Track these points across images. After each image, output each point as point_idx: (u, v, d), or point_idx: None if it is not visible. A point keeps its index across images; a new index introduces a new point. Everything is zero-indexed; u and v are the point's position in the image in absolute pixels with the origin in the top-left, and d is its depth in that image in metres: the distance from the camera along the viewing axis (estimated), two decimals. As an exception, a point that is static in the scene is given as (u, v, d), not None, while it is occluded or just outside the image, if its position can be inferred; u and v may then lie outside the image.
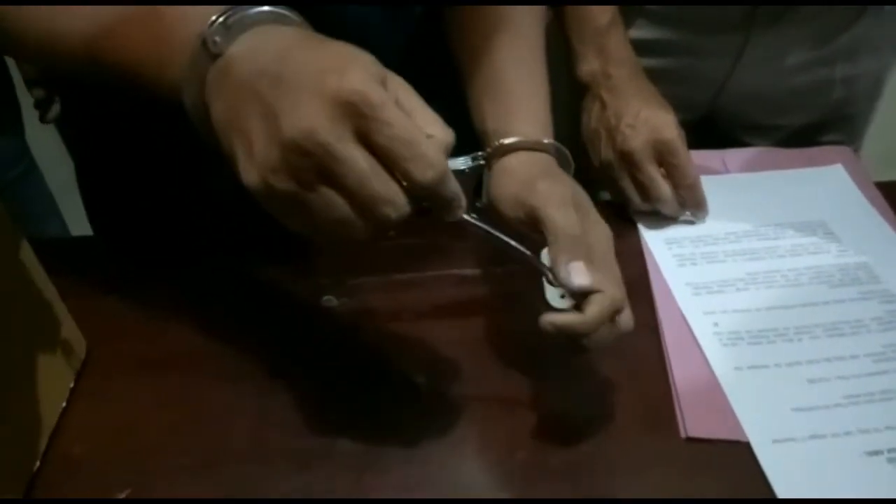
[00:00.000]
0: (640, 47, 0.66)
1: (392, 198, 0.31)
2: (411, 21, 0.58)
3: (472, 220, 0.36)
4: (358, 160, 0.30)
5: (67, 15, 0.39)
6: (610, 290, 0.41)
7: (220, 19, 0.33)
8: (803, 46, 0.71)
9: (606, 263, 0.43)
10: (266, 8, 0.34)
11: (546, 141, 0.49)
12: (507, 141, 0.49)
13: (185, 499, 0.42)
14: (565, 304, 0.41)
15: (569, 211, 0.43)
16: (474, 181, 0.49)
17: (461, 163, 0.48)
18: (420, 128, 0.31)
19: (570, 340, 0.41)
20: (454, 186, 0.33)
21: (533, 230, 0.45)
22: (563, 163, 0.50)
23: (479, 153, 0.49)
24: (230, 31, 0.33)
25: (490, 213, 0.48)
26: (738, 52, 0.72)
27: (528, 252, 0.40)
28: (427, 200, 0.33)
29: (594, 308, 0.40)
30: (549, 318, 0.40)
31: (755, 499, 0.43)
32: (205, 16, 0.33)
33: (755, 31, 0.70)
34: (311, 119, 0.30)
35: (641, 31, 0.72)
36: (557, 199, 0.44)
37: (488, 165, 0.49)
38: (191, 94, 0.34)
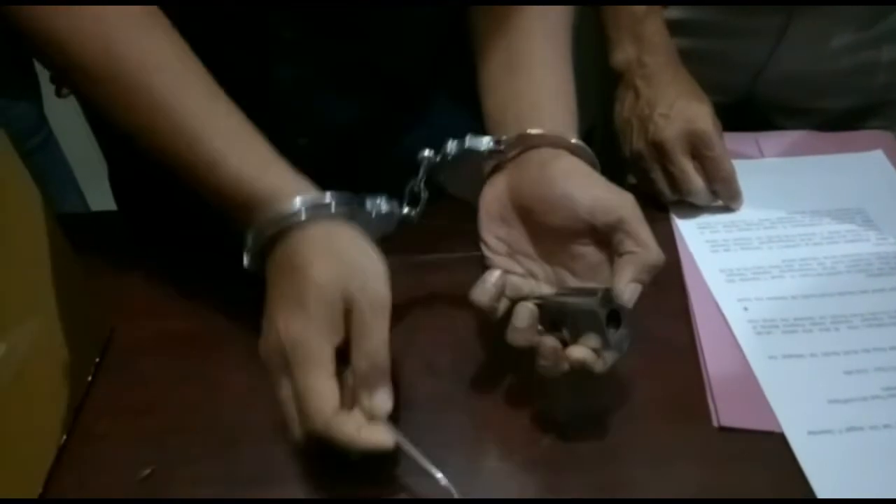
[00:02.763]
0: (678, 28, 0.65)
1: (290, 424, 0.39)
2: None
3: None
4: (279, 390, 0.40)
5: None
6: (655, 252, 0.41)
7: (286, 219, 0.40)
8: (848, 27, 0.69)
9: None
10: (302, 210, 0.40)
11: (574, 141, 0.46)
12: (533, 131, 0.45)
13: (190, 499, 0.43)
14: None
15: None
16: (489, 167, 0.48)
17: (482, 143, 0.46)
18: (316, 386, 0.38)
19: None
20: (347, 440, 0.37)
21: (591, 236, 0.43)
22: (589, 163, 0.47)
23: (502, 137, 0.46)
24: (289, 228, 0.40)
25: (546, 208, 0.44)
26: (780, 34, 0.70)
27: None
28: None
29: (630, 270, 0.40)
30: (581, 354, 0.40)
31: (789, 499, 0.42)
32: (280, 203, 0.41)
33: (798, 11, 0.68)
34: (263, 335, 0.41)
35: (680, 12, 0.70)
36: (641, 216, 0.42)
37: (510, 153, 0.46)
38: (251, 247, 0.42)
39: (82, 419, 0.46)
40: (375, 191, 0.45)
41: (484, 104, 0.50)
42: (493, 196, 0.46)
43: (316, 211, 0.41)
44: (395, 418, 0.45)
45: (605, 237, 0.42)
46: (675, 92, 0.60)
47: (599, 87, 0.69)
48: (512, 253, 0.45)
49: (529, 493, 0.43)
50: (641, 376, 0.47)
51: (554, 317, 0.42)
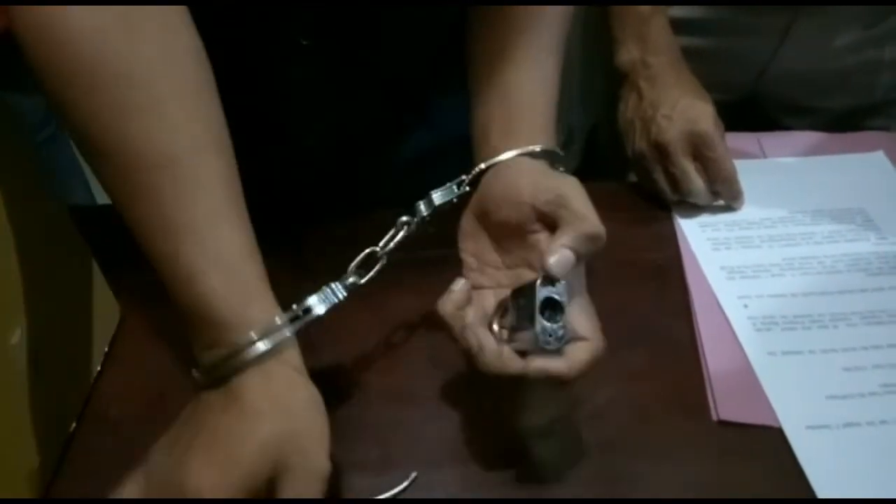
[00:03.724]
0: (683, 26, 0.65)
1: None
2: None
3: None
4: None
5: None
6: (595, 338, 0.39)
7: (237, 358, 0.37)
8: (852, 27, 0.69)
9: (588, 303, 0.41)
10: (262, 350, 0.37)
11: (537, 148, 0.45)
12: (499, 159, 0.44)
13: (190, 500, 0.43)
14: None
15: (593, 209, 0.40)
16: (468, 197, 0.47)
17: (447, 194, 0.45)
18: None
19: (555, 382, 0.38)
20: None
21: (541, 222, 0.42)
22: (553, 164, 0.46)
23: (463, 177, 0.46)
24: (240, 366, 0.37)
25: (486, 206, 0.44)
26: (784, 32, 0.70)
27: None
28: None
29: (581, 356, 0.38)
30: (537, 365, 0.37)
31: (787, 498, 0.42)
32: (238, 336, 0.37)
33: (803, 10, 0.68)
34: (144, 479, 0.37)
35: (684, 10, 0.70)
36: (582, 193, 0.41)
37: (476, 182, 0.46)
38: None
39: (93, 406, 0.47)
40: (377, 191, 0.44)
41: (471, 120, 0.49)
42: (465, 215, 0.46)
43: (273, 340, 0.37)
44: (395, 409, 0.46)
45: (552, 219, 0.41)
46: (678, 93, 0.60)
47: (605, 85, 0.69)
48: (481, 266, 0.45)
49: (530, 484, 0.43)
50: (642, 370, 0.48)
51: (505, 308, 0.41)
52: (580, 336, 0.39)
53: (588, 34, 0.76)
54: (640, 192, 0.63)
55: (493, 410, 0.46)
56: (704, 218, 0.61)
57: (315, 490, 0.35)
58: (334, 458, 0.43)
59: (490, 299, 0.43)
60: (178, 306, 0.39)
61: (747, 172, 0.61)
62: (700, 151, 0.58)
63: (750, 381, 0.47)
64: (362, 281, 0.42)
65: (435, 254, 0.45)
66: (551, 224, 0.41)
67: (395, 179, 0.47)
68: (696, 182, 0.59)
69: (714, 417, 0.45)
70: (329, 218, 0.59)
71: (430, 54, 0.59)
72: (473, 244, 0.45)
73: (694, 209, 0.61)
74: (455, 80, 0.55)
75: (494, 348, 0.39)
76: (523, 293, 0.39)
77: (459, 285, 0.42)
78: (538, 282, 0.38)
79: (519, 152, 0.44)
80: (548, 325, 0.37)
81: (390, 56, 0.56)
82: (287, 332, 0.38)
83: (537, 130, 0.46)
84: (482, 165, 0.45)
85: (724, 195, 0.60)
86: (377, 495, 0.43)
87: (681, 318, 0.52)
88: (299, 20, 0.50)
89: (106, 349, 0.50)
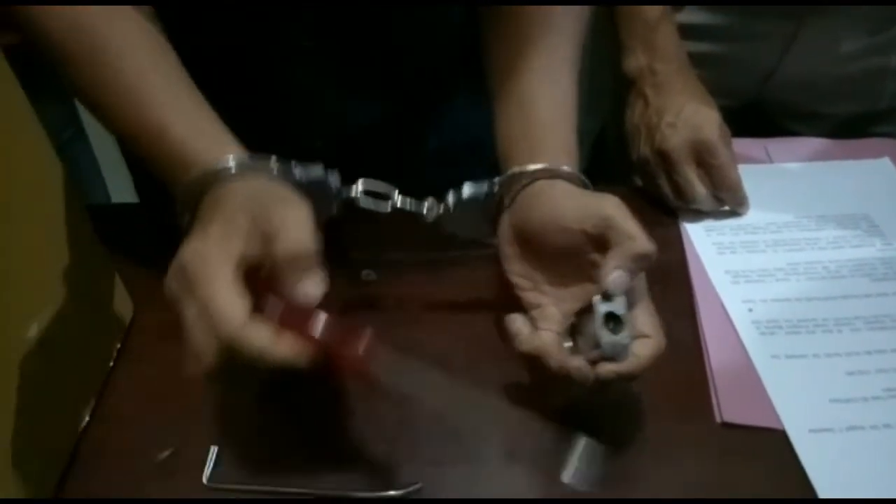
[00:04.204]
0: (690, 32, 0.65)
1: (198, 351, 0.35)
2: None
3: None
4: (185, 315, 0.36)
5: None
6: (657, 336, 0.41)
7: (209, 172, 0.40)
8: (858, 33, 0.70)
9: (648, 302, 0.43)
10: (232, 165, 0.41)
11: (567, 169, 0.46)
12: (530, 168, 0.46)
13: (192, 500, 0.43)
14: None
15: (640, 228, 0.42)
16: (491, 210, 0.48)
17: (477, 189, 0.47)
18: (221, 294, 0.35)
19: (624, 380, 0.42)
20: (256, 351, 0.34)
21: (591, 244, 0.43)
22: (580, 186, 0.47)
23: (495, 179, 0.47)
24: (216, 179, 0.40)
25: (526, 236, 0.46)
26: (791, 38, 0.70)
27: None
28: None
29: (647, 352, 0.41)
30: (610, 368, 0.40)
31: (787, 499, 0.43)
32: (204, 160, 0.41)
33: (810, 15, 0.69)
34: (169, 272, 0.37)
35: (691, 16, 0.71)
36: (629, 214, 0.42)
37: (506, 194, 0.47)
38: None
39: (104, 401, 0.48)
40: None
41: (496, 138, 0.51)
42: (504, 238, 0.47)
43: (246, 166, 0.41)
44: (401, 413, 0.47)
45: (601, 240, 0.42)
46: (683, 100, 0.61)
47: (613, 88, 0.70)
48: (535, 285, 0.46)
49: (533, 485, 0.44)
50: (647, 371, 0.49)
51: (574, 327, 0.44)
52: (644, 333, 0.41)
53: (596, 37, 0.76)
54: (646, 196, 0.64)
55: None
56: (710, 222, 0.61)
57: (306, 231, 0.37)
58: (342, 453, 0.44)
59: (553, 311, 0.45)
60: (159, 166, 0.43)
61: (753, 177, 0.61)
62: (704, 159, 0.59)
63: (753, 384, 0.48)
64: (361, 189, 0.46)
65: (439, 256, 0.46)
66: (600, 243, 0.42)
67: (399, 182, 0.48)
68: (699, 190, 0.59)
69: (718, 419, 0.46)
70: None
71: (434, 57, 0.59)
72: (520, 266, 0.46)
73: (699, 213, 0.62)
74: (460, 83, 0.56)
75: (588, 373, 0.41)
76: (586, 310, 0.42)
77: (519, 322, 0.44)
78: (597, 298, 0.41)
79: (549, 169, 0.46)
80: (612, 338, 0.40)
81: (393, 58, 0.56)
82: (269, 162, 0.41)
83: (561, 152, 0.47)
84: (520, 168, 0.46)
85: (729, 202, 0.61)
86: (380, 493, 0.43)
87: (685, 320, 0.53)
88: (301, 22, 0.51)
89: (119, 345, 0.51)
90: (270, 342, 0.34)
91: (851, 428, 0.45)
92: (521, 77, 0.49)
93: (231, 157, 0.41)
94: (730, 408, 0.46)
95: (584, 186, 0.46)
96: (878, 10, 0.69)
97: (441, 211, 0.47)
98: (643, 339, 0.41)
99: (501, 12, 0.51)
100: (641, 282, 0.43)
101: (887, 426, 0.45)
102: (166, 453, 0.45)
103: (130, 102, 0.42)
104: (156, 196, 0.68)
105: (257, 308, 0.36)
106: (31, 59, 0.43)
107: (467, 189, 0.47)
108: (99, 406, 0.48)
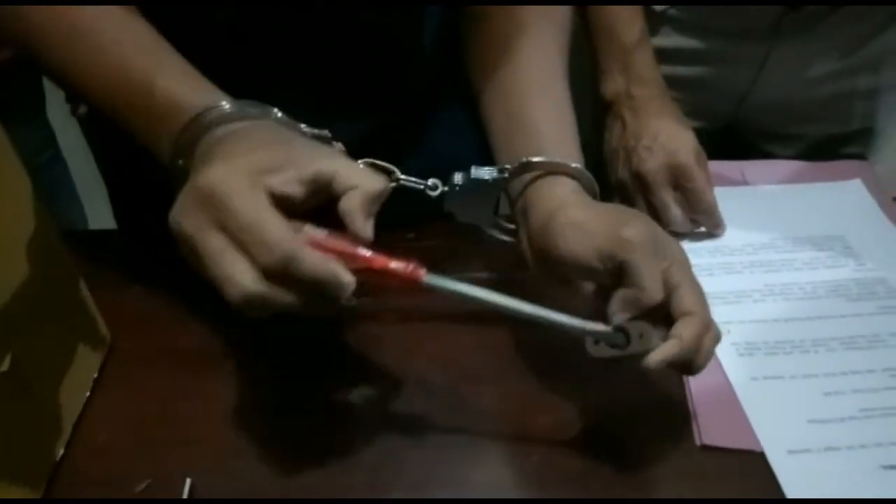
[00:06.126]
0: (664, 55, 0.67)
1: (229, 278, 0.34)
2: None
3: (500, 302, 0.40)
4: (206, 246, 0.34)
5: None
6: (700, 311, 0.40)
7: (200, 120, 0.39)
8: (828, 57, 0.71)
9: (692, 280, 0.42)
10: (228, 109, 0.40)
11: (574, 165, 0.46)
12: (535, 159, 0.46)
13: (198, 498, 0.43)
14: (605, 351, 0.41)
15: (657, 270, 0.40)
16: (497, 194, 0.49)
17: (486, 173, 0.48)
18: (268, 216, 0.34)
19: (679, 369, 0.41)
20: (312, 268, 0.34)
21: (612, 280, 0.42)
22: (589, 191, 0.47)
23: (506, 165, 0.48)
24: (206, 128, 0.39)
25: (547, 261, 0.45)
26: (763, 62, 0.72)
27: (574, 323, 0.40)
28: (300, 283, 0.34)
29: (691, 331, 0.39)
30: (656, 358, 0.39)
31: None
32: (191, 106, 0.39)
33: (781, 40, 0.70)
34: (177, 209, 0.35)
35: (666, 39, 0.72)
36: (648, 250, 0.40)
37: (511, 182, 0.48)
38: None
39: (81, 432, 0.47)
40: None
41: (487, 132, 0.51)
42: (526, 257, 0.47)
43: (249, 105, 0.40)
44: (386, 436, 0.47)
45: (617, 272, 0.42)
46: (660, 124, 0.62)
47: (592, 111, 0.71)
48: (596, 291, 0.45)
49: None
50: (625, 395, 0.49)
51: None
52: (686, 311, 0.40)
53: (575, 60, 0.78)
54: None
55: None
56: (687, 244, 0.62)
57: (367, 174, 0.37)
58: (321, 486, 0.44)
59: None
60: (148, 127, 0.41)
61: (729, 199, 0.62)
62: (680, 182, 0.60)
63: (733, 406, 0.48)
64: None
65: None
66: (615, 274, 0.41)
67: (391, 205, 0.48)
68: (675, 212, 0.60)
69: (697, 442, 0.46)
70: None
71: (407, 85, 0.59)
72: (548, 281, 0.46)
73: (676, 235, 0.62)
74: (447, 102, 0.56)
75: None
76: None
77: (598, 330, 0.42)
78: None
79: (559, 163, 0.46)
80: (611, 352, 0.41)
81: (368, 86, 0.57)
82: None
83: (563, 146, 0.48)
84: (533, 158, 0.46)
85: (705, 224, 0.62)
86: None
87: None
88: (282, 45, 0.51)
89: (95, 375, 0.50)
90: (324, 259, 0.34)
91: (829, 449, 0.46)
92: (510, 66, 0.50)
93: (227, 100, 0.40)
94: (709, 430, 0.47)
95: (591, 186, 0.47)
96: (848, 34, 0.70)
97: (446, 188, 0.47)
98: (686, 318, 0.40)
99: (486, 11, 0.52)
100: (680, 258, 0.42)
101: (863, 447, 0.46)
102: (143, 485, 0.44)
103: (114, 71, 0.42)
104: (134, 221, 0.68)
105: None
106: (9, 81, 0.43)
107: (475, 171, 0.47)
108: (76, 436, 0.47)
